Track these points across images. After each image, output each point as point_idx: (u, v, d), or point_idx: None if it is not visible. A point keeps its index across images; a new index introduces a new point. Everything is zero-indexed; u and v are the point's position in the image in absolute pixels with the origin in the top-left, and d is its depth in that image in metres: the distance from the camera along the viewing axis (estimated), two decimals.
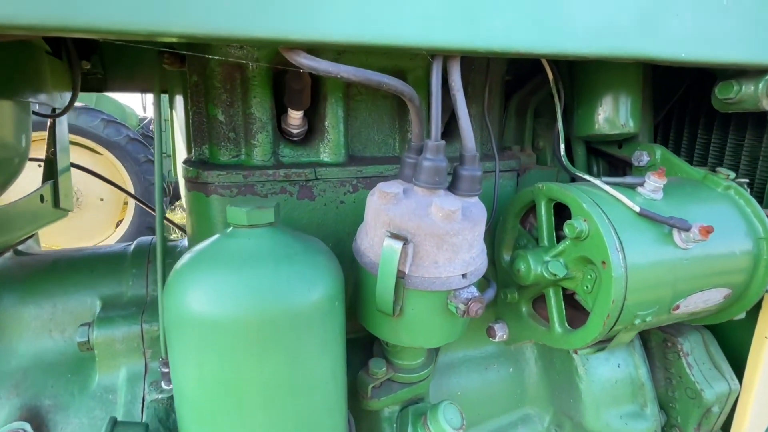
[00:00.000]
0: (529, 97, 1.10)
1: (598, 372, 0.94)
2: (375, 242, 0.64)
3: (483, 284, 0.70)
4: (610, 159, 1.12)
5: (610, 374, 0.95)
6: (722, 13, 0.68)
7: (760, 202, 0.86)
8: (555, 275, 0.71)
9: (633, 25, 0.64)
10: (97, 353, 0.79)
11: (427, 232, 0.60)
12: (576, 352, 0.89)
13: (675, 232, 0.69)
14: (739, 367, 0.97)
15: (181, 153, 1.40)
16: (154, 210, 1.53)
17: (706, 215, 0.76)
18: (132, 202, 4.87)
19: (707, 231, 0.66)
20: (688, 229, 0.67)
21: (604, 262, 0.66)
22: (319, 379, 0.59)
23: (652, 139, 1.07)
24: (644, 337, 1.02)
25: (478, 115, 0.94)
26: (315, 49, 0.57)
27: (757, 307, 0.90)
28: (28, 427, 0.70)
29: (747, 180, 0.85)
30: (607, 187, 0.73)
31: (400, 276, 0.61)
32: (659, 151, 0.92)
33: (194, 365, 0.55)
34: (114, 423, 0.62)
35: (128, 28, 0.47)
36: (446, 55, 0.62)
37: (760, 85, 0.77)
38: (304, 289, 0.55)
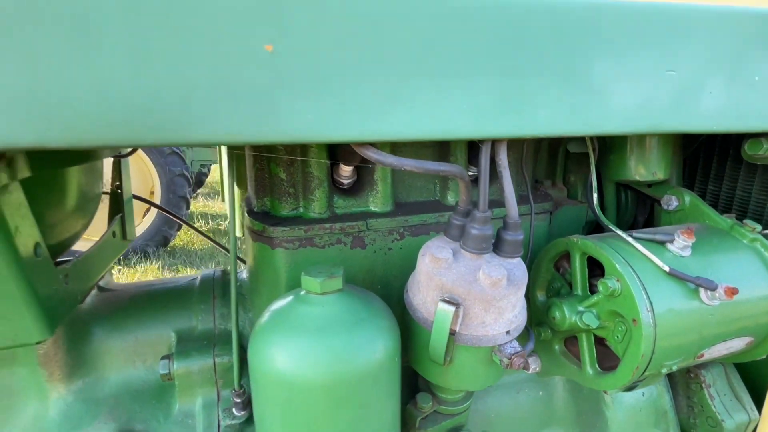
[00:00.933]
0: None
1: (623, 400, 1.02)
2: (427, 301, 0.72)
3: (523, 334, 0.78)
4: (638, 193, 1.17)
5: (634, 402, 1.02)
6: (752, 87, 0.73)
7: None
8: (588, 326, 0.79)
9: (668, 104, 0.70)
10: (177, 383, 0.90)
11: (477, 298, 0.68)
12: (606, 392, 0.96)
13: (702, 290, 0.75)
14: (759, 395, 1.03)
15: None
16: (189, 226, 1.64)
17: (731, 268, 0.81)
18: (158, 192, 5.07)
19: (732, 292, 0.72)
20: (714, 289, 0.73)
21: (634, 320, 0.73)
22: (383, 423, 0.69)
23: (681, 180, 1.11)
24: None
25: (515, 162, 1.00)
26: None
27: None
28: None
29: None
30: (638, 246, 0.79)
31: (451, 333, 0.70)
32: (688, 197, 0.97)
33: (278, 415, 0.65)
34: None
35: (222, 140, 0.55)
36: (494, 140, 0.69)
37: None
38: (372, 352, 0.64)
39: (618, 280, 0.75)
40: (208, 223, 5.94)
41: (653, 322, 0.72)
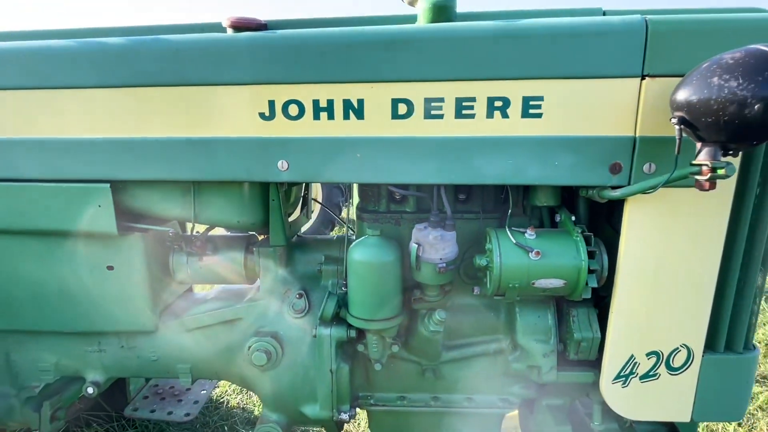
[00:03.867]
0: None
1: (526, 318, 1.97)
2: (412, 244, 1.86)
3: (452, 262, 1.85)
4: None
5: (532, 319, 1.96)
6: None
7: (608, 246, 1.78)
8: (482, 265, 1.82)
9: (494, 172, 1.70)
10: (323, 275, 2.20)
11: (427, 243, 1.80)
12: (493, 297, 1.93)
13: (529, 252, 1.72)
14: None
15: None
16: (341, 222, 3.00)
17: (557, 246, 1.75)
18: (319, 198, 6.96)
19: (537, 253, 1.69)
20: (530, 251, 1.70)
21: (493, 261, 1.75)
22: (399, 290, 1.86)
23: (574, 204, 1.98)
24: (560, 307, 1.98)
25: (473, 192, 2.05)
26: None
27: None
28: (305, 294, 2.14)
29: (592, 234, 1.77)
30: (508, 232, 1.80)
31: (417, 256, 1.82)
32: (563, 214, 1.89)
33: (358, 281, 1.87)
34: (329, 294, 1.99)
35: (363, 180, 1.80)
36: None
37: (590, 191, 1.72)
38: (393, 255, 1.82)
39: (491, 245, 1.78)
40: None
41: (500, 262, 1.73)
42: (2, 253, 2.08)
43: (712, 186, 1.36)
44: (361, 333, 1.99)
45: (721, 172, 1.33)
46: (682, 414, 1.86)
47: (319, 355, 1.98)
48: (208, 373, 2.30)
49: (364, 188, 2.12)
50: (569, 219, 1.87)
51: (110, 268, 2.11)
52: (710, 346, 1.83)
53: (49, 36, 1.99)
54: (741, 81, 1.19)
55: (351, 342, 2.01)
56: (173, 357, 2.27)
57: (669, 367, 1.82)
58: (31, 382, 2.35)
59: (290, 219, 2.31)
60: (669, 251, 1.70)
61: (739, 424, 3.33)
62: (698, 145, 1.37)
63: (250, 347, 2.00)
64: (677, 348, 1.80)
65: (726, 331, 1.81)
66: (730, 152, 1.36)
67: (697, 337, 1.79)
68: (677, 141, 1.37)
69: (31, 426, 2.40)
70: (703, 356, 1.81)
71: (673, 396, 1.85)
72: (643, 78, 1.56)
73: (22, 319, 2.19)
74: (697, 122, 1.30)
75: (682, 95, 1.32)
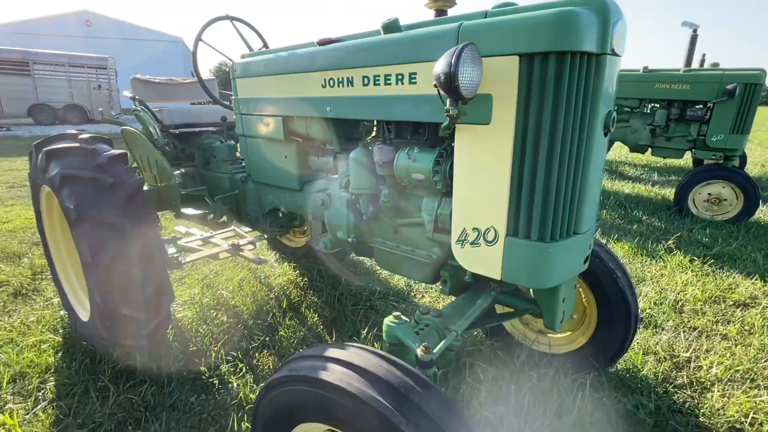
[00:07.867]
0: None
1: (426, 202, 3.40)
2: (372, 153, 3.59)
3: (386, 163, 3.48)
4: None
5: (427, 203, 3.38)
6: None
7: None
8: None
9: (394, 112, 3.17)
10: None
11: (375, 151, 3.51)
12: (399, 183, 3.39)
13: (409, 158, 3.20)
14: None
15: None
16: None
17: (423, 158, 3.14)
18: None
19: (410, 158, 3.16)
20: (410, 158, 3.18)
21: (395, 162, 3.31)
22: (367, 174, 3.69)
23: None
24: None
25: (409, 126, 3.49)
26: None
27: None
28: None
29: (446, 152, 3.03)
30: (406, 149, 3.29)
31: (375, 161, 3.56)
32: (449, 141, 3.18)
33: (351, 169, 3.79)
34: None
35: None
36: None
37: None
38: (366, 157, 3.65)
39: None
40: None
41: (396, 163, 3.29)
42: (254, 147, 5.03)
43: (453, 121, 2.60)
44: (359, 198, 3.90)
45: (453, 114, 2.57)
46: (495, 274, 2.98)
47: (340, 206, 4.03)
48: (317, 214, 4.70)
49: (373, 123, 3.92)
50: (449, 144, 3.18)
51: (286, 156, 4.74)
52: (515, 233, 2.87)
53: (262, 54, 4.61)
54: (441, 63, 2.47)
55: (354, 202, 3.95)
56: (307, 205, 4.78)
57: (485, 240, 2.96)
58: (264, 206, 5.37)
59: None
60: (476, 163, 2.86)
61: None
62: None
63: (317, 197, 4.24)
64: (488, 228, 2.92)
65: (525, 224, 2.81)
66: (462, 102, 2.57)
67: (499, 223, 2.85)
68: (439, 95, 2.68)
69: (261, 229, 5.47)
70: (505, 237, 2.88)
71: (490, 259, 2.98)
72: None
73: (262, 177, 5.14)
74: (437, 85, 2.60)
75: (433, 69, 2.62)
